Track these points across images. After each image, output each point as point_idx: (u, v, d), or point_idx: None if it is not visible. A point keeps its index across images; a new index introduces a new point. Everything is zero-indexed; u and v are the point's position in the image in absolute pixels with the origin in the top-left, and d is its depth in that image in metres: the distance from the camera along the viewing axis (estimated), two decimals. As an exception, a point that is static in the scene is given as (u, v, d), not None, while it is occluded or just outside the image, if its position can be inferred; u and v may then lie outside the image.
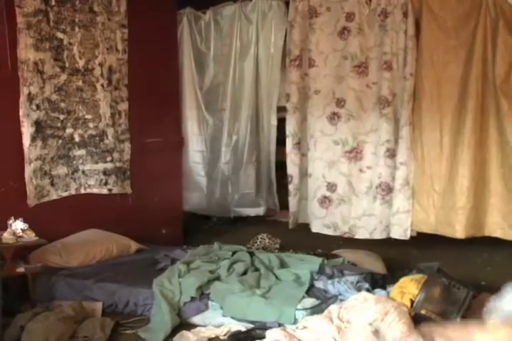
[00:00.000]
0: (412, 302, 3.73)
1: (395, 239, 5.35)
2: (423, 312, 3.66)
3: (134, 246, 5.18)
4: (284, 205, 5.87)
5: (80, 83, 5.15)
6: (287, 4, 5.52)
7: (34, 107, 4.79)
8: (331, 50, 5.34)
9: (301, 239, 5.68)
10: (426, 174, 5.08)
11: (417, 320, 3.67)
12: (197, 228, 6.38)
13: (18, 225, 4.08)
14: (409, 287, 3.82)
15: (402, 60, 5.08)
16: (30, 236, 4.09)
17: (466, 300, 3.72)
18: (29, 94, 4.74)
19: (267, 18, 5.71)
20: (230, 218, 6.48)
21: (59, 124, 5.02)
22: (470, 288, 3.80)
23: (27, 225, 4.12)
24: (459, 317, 3.67)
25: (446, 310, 3.68)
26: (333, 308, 3.71)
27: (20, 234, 4.07)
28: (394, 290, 3.89)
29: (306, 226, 5.71)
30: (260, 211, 6.02)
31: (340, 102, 5.35)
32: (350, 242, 5.54)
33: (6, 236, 3.99)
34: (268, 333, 3.64)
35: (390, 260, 5.11)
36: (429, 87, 5.00)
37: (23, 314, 3.84)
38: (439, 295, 3.71)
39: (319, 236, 5.64)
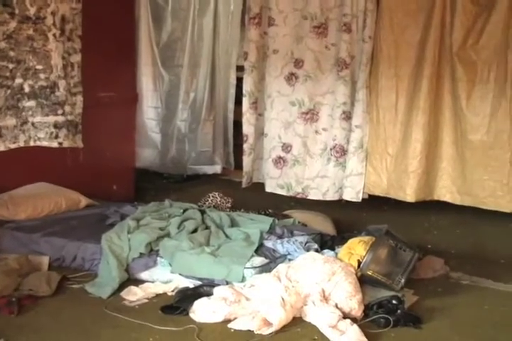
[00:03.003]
0: (360, 263, 3.78)
1: (347, 202, 5.40)
2: (369, 273, 3.73)
3: (83, 201, 5.10)
4: (239, 165, 5.84)
5: (31, 32, 4.94)
6: (247, -41, 5.40)
7: (-19, 55, 4.61)
8: (291, 10, 5.25)
9: (254, 199, 5.68)
10: (380, 137, 5.11)
11: (363, 280, 3.73)
12: (148, 185, 6.31)
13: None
14: (357, 248, 3.87)
15: (362, 23, 5.03)
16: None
17: (412, 262, 3.79)
18: (-24, 41, 4.56)
19: (227, -28, 5.58)
20: (182, 176, 6.43)
21: (8, 74, 4.83)
22: (416, 250, 3.87)
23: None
24: (403, 279, 3.74)
25: (391, 271, 3.75)
26: (281, 267, 3.73)
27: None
28: (342, 250, 3.94)
29: (259, 187, 5.71)
30: (217, 169, 6.00)
31: (298, 63, 5.29)
32: (302, 204, 5.57)
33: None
34: (215, 290, 3.66)
35: (340, 222, 5.15)
36: (387, 50, 4.99)
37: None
38: (385, 257, 3.77)
39: (272, 196, 5.65)
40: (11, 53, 4.83)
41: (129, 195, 5.93)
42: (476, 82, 4.73)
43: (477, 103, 4.77)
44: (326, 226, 4.87)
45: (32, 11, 4.93)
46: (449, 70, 4.79)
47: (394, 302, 3.52)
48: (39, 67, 5.06)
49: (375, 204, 5.42)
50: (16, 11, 4.80)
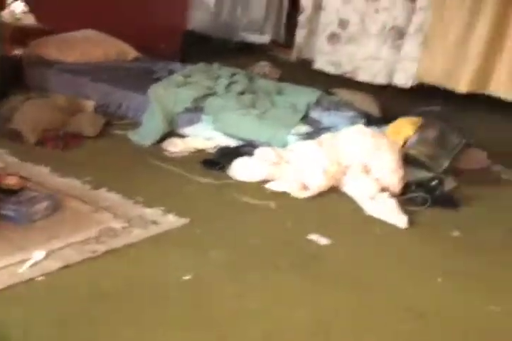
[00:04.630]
0: (406, 142, 3.73)
1: (394, 90, 5.27)
2: (414, 152, 3.69)
3: (132, 53, 5.06)
4: (288, 43, 5.69)
5: None
6: None
7: None
8: None
9: (300, 76, 5.56)
10: (443, 21, 4.90)
11: (406, 160, 3.70)
12: (197, 48, 6.18)
13: (18, 6, 3.89)
14: (404, 127, 3.81)
15: None
16: (31, 20, 3.91)
17: (458, 147, 3.74)
18: None
19: None
20: (231, 43, 6.27)
21: None
22: (465, 136, 3.80)
23: (27, 8, 3.93)
24: (447, 163, 3.70)
25: (436, 153, 3.70)
26: (325, 136, 3.70)
27: (20, 16, 3.88)
28: (389, 128, 3.89)
29: (307, 64, 5.58)
30: (266, 39, 5.84)
31: None
32: (349, 86, 5.44)
33: (4, 15, 3.81)
34: (257, 150, 3.66)
35: (386, 108, 5.06)
36: None
37: (16, 96, 3.78)
38: (432, 138, 3.71)
39: (319, 75, 5.53)
40: None
41: (175, 55, 5.82)
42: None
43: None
44: (373, 108, 4.78)
45: None
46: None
47: (433, 183, 3.51)
48: None
49: (421, 96, 5.29)
50: None
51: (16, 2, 3.93)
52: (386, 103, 5.12)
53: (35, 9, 4.05)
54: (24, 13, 3.93)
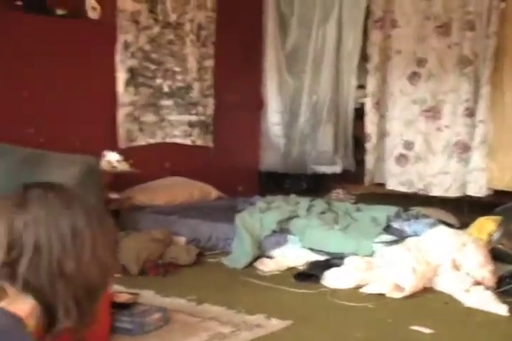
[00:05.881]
0: (490, 237, 3.81)
1: (468, 201, 5.40)
2: (500, 246, 3.75)
3: (214, 193, 5.42)
4: (360, 171, 5.96)
5: (172, 36, 5.42)
6: (372, -33, 5.66)
7: (129, 55, 5.07)
8: (413, 11, 5.45)
9: (375, 200, 5.77)
10: (504, 132, 5.13)
11: (493, 254, 3.76)
12: (271, 188, 6.54)
13: (112, 156, 4.35)
14: (486, 224, 3.92)
15: (486, 20, 5.14)
16: (124, 167, 4.35)
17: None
18: (125, 41, 5.03)
19: (350, -19, 5.86)
20: (302, 186, 6.56)
21: (150, 74, 5.29)
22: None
23: (121, 157, 4.38)
24: (535, 253, 3.74)
25: (523, 245, 3.75)
26: (410, 240, 3.83)
27: (115, 164, 4.33)
28: (471, 227, 3.99)
29: (380, 190, 5.81)
30: (337, 169, 6.13)
31: (421, 62, 5.45)
32: (423, 203, 5.61)
33: (102, 163, 4.25)
34: (347, 259, 3.79)
35: (464, 217, 5.15)
36: (511, 45, 5.05)
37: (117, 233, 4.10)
38: (516, 231, 3.78)
39: (394, 198, 5.73)
40: (154, 55, 5.29)
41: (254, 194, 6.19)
42: None
43: None
44: (450, 218, 4.91)
45: (173, 18, 5.39)
46: None
47: (527, 273, 3.53)
48: (177, 68, 5.51)
49: (497, 202, 5.38)
50: (160, 17, 5.28)
51: (112, 153, 4.37)
52: (462, 214, 5.24)
53: (128, 157, 4.51)
54: (118, 161, 4.37)
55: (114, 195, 4.36)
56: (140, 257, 3.88)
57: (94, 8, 4.70)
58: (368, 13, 5.70)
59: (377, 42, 5.59)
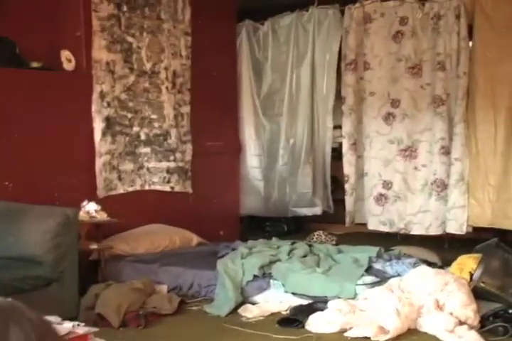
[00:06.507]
0: (471, 276, 3.81)
1: (449, 238, 5.42)
2: (482, 285, 3.74)
3: (195, 239, 5.38)
4: (339, 212, 5.98)
5: (147, 85, 5.46)
6: (342, 12, 5.79)
7: (105, 104, 5.10)
8: (385, 53, 5.57)
9: (356, 240, 5.77)
10: (481, 169, 5.20)
11: (476, 293, 3.75)
12: (253, 232, 6.53)
13: (91, 206, 4.33)
14: (467, 262, 3.92)
15: (456, 60, 5.26)
16: (103, 217, 4.32)
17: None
18: (101, 91, 5.06)
19: (322, 25, 5.98)
20: (284, 230, 6.55)
21: (127, 122, 5.31)
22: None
23: (100, 207, 4.36)
24: (517, 290, 3.73)
25: (505, 283, 3.75)
26: (393, 281, 3.82)
27: (94, 214, 4.30)
28: (452, 266, 3.99)
29: (361, 230, 5.82)
30: (317, 210, 6.14)
31: (395, 103, 5.54)
32: (404, 242, 5.62)
33: (81, 214, 4.23)
34: (330, 303, 3.76)
35: (446, 255, 5.16)
36: (482, 84, 5.16)
37: (97, 285, 4.05)
38: (497, 269, 3.79)
39: (375, 238, 5.74)
40: (130, 104, 5.32)
41: (235, 239, 6.16)
42: None
43: None
44: (432, 256, 4.91)
45: (148, 66, 5.45)
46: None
47: (511, 311, 3.52)
48: (154, 116, 5.54)
49: (478, 239, 5.41)
50: (135, 66, 5.33)
51: (90, 203, 4.35)
52: (443, 251, 5.26)
53: (107, 206, 4.49)
54: (97, 211, 4.34)
55: (93, 245, 4.32)
56: (121, 308, 3.83)
57: (68, 60, 4.74)
58: (341, 56, 5.81)
59: (351, 84, 5.68)
